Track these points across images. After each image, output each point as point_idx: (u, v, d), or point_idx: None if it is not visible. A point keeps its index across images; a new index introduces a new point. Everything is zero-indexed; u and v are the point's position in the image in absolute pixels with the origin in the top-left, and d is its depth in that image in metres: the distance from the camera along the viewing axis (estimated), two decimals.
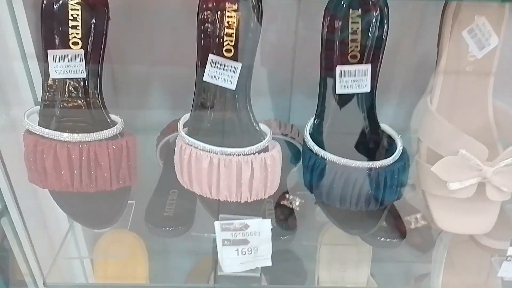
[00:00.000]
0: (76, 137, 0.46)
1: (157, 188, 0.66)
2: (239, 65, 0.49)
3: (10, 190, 0.55)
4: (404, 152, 0.52)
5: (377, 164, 0.50)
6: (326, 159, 0.50)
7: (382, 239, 0.60)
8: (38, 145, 0.46)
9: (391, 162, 0.50)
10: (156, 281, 0.72)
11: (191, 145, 0.50)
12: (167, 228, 0.59)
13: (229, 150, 0.49)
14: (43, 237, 0.66)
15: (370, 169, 0.49)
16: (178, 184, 0.63)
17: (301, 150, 0.67)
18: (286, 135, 0.65)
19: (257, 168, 0.49)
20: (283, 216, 0.64)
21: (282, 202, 0.65)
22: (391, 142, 0.54)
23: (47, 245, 0.67)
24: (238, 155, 0.49)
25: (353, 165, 0.49)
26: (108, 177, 0.48)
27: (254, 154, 0.49)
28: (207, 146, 0.49)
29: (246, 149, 0.49)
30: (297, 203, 0.66)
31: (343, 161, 0.50)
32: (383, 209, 0.54)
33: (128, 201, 0.58)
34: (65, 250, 0.65)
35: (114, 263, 0.68)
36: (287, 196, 0.66)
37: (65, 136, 0.46)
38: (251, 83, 0.52)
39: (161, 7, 0.60)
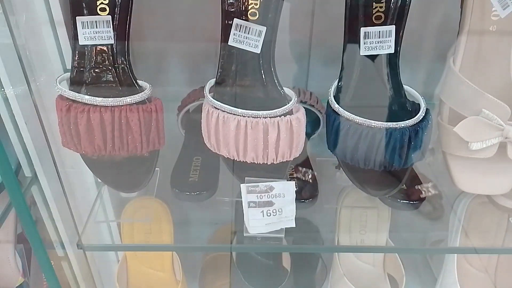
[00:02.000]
0: (109, 101, 0.47)
1: (180, 156, 0.67)
2: (263, 29, 0.50)
3: (52, 157, 0.55)
4: (427, 112, 0.52)
5: (401, 124, 0.50)
6: (350, 120, 0.51)
7: (402, 201, 0.62)
8: (72, 110, 0.47)
9: (415, 122, 0.51)
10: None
11: (218, 109, 0.51)
12: (193, 193, 0.60)
13: (256, 112, 0.50)
14: (71, 205, 0.68)
15: (394, 129, 0.50)
16: (201, 151, 0.64)
17: (320, 117, 0.68)
18: (305, 102, 0.66)
19: (283, 130, 0.50)
20: (300, 187, 0.65)
21: (295, 175, 0.66)
22: (415, 104, 0.54)
23: (75, 212, 0.69)
24: (265, 117, 0.50)
25: (377, 126, 0.50)
26: (139, 141, 0.49)
27: (280, 116, 0.50)
28: (234, 109, 0.50)
29: (272, 112, 0.50)
30: (310, 176, 0.67)
31: (367, 122, 0.50)
32: (404, 170, 0.55)
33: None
34: (93, 217, 0.67)
35: (140, 230, 0.70)
36: (300, 168, 0.67)
37: (98, 100, 0.47)
38: (275, 47, 0.52)
39: None
